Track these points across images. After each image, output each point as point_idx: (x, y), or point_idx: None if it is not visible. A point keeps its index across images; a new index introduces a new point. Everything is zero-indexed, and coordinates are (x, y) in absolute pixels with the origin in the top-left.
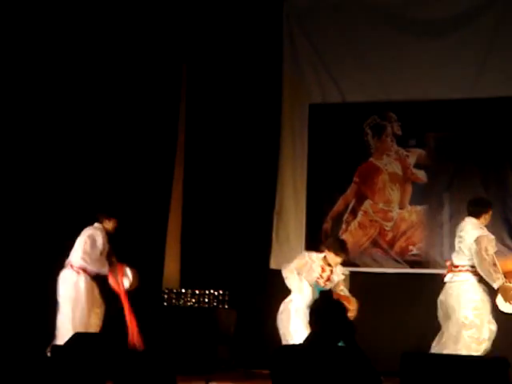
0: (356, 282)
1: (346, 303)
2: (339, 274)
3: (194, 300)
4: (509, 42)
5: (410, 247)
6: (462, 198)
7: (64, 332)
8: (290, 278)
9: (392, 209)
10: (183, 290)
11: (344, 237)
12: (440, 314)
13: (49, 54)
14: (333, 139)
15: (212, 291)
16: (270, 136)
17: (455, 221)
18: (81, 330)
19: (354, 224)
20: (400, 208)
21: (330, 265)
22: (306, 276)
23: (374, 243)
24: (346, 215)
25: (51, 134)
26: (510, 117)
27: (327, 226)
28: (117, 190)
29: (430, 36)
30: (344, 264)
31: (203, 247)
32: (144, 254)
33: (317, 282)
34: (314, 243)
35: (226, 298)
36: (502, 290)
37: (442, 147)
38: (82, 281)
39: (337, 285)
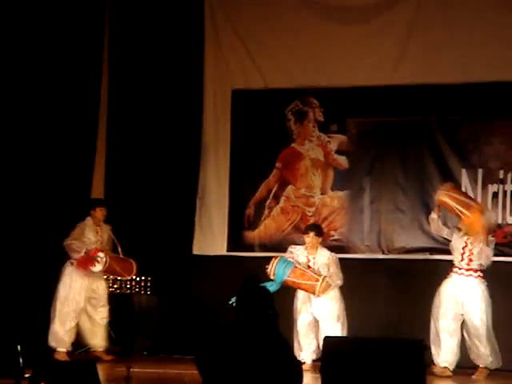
0: None
1: (311, 275)
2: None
3: (115, 286)
4: (428, 29)
5: (332, 232)
6: (383, 183)
7: None
8: None
9: (314, 194)
10: (105, 276)
11: (266, 222)
12: None
13: None
14: (255, 125)
15: (134, 277)
16: (193, 121)
17: (376, 206)
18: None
19: (276, 209)
20: (322, 193)
21: (307, 247)
22: None
23: (296, 228)
24: (269, 201)
25: None
26: (428, 103)
27: (250, 211)
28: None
29: (351, 23)
30: (266, 249)
31: (125, 233)
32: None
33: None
34: (236, 229)
35: (148, 284)
36: None
37: (362, 133)
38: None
39: (325, 269)
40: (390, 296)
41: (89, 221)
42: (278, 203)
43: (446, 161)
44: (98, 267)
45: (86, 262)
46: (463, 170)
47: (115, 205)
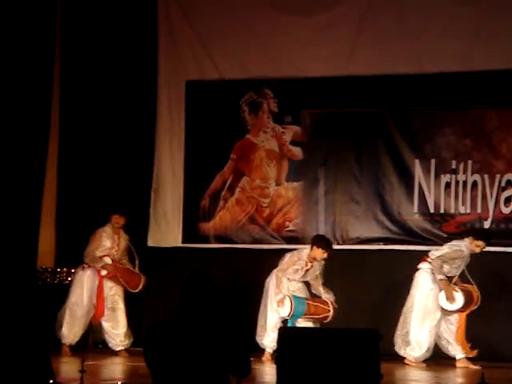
0: (235, 258)
1: (322, 306)
2: (317, 269)
3: (69, 278)
4: (380, 20)
5: (287, 223)
6: (337, 174)
7: None
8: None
9: (269, 185)
10: (58, 269)
11: (221, 213)
12: None
13: None
14: (210, 116)
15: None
16: (147, 113)
17: (330, 197)
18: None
19: (231, 201)
20: (277, 184)
21: (314, 259)
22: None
23: (252, 220)
24: (224, 192)
25: None
26: (381, 94)
27: (205, 202)
28: None
29: (305, 14)
30: (221, 240)
31: (79, 224)
32: (18, 232)
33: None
34: (191, 220)
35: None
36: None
37: (317, 124)
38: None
39: (315, 279)
40: (345, 286)
41: (107, 227)
42: (233, 194)
43: (400, 151)
44: (104, 271)
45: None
46: (416, 161)
47: (69, 197)
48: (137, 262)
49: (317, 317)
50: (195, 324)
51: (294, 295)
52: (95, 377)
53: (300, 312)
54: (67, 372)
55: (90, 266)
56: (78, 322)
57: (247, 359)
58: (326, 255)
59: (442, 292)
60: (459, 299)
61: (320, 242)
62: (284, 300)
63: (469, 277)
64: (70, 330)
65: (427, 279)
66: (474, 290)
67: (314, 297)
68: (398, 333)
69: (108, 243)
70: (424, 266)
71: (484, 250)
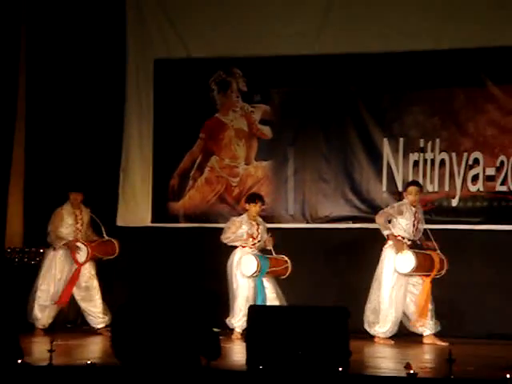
0: (204, 238)
1: (279, 257)
2: (264, 232)
3: (38, 259)
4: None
5: None
6: (306, 153)
7: None
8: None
9: (238, 164)
10: (27, 249)
11: (191, 193)
12: None
13: None
14: (179, 95)
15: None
16: (116, 92)
17: (299, 176)
18: None
19: (200, 180)
20: (246, 164)
21: (254, 217)
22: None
23: (221, 199)
24: (193, 171)
25: None
26: (350, 73)
27: (174, 182)
28: None
29: None
30: (191, 220)
31: (47, 204)
32: None
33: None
34: (161, 200)
35: None
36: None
37: (286, 103)
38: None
39: (267, 242)
40: (314, 264)
41: (67, 205)
42: (202, 174)
43: (369, 130)
44: (81, 258)
45: (71, 251)
46: (385, 140)
47: (37, 176)
48: (103, 229)
49: (279, 268)
50: (164, 306)
51: (256, 254)
52: (65, 356)
53: (266, 265)
54: (38, 352)
55: (61, 248)
56: (51, 304)
57: (217, 341)
58: (257, 207)
59: (397, 257)
60: (410, 258)
61: (251, 198)
62: (248, 257)
63: (434, 243)
64: (43, 313)
65: (392, 254)
66: (437, 254)
67: None
68: (367, 309)
69: (70, 220)
70: (387, 244)
71: (419, 194)
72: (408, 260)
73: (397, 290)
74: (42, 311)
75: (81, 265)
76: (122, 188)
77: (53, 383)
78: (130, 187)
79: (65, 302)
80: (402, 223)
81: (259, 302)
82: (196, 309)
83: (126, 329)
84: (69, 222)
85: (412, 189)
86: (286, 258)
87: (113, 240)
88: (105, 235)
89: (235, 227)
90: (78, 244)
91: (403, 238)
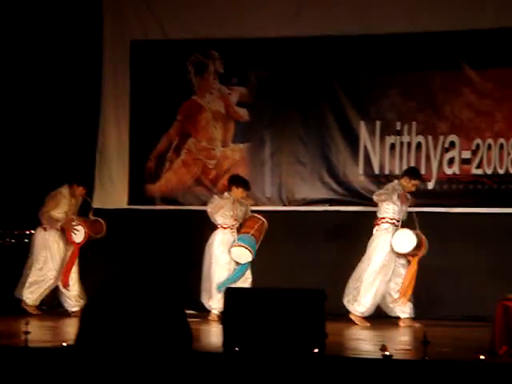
0: (181, 220)
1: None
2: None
3: (13, 240)
4: None
5: None
6: (283, 136)
7: None
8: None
9: (215, 147)
10: (1, 231)
11: (167, 175)
12: None
13: None
14: (155, 77)
15: (32, 231)
16: (92, 74)
17: (276, 158)
18: None
19: (177, 162)
20: (223, 146)
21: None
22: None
23: (198, 181)
24: (170, 154)
25: None
26: (327, 55)
27: (151, 164)
28: None
29: None
30: (168, 202)
31: (23, 187)
32: None
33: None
34: (137, 182)
35: None
36: None
37: (263, 86)
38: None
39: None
40: (291, 247)
41: (65, 190)
42: (178, 156)
43: (345, 113)
44: (79, 238)
45: (67, 232)
46: (362, 122)
47: (9, 159)
48: (92, 210)
49: (256, 226)
50: (135, 295)
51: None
52: (41, 338)
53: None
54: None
55: (52, 228)
56: (45, 284)
57: (188, 328)
58: (245, 194)
59: (396, 235)
60: (411, 238)
61: (237, 181)
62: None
63: (417, 225)
64: (35, 292)
65: (387, 238)
66: (421, 234)
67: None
68: (350, 286)
69: (65, 207)
70: (382, 227)
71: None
72: (408, 239)
73: (384, 272)
74: (35, 291)
75: (78, 245)
76: (99, 170)
77: (29, 365)
78: (106, 169)
79: (66, 282)
80: (393, 206)
81: (235, 280)
82: (166, 294)
83: (96, 319)
84: (64, 209)
85: (417, 182)
86: (257, 215)
87: (100, 220)
88: (91, 215)
89: (224, 203)
90: (75, 225)
91: (392, 219)
